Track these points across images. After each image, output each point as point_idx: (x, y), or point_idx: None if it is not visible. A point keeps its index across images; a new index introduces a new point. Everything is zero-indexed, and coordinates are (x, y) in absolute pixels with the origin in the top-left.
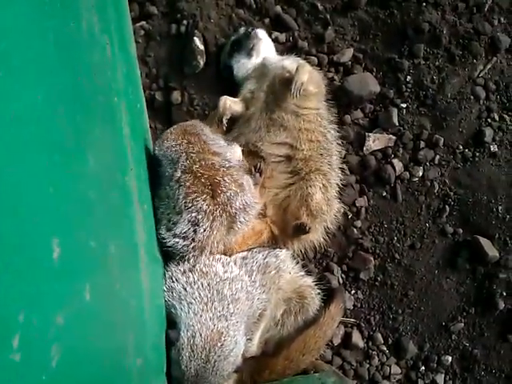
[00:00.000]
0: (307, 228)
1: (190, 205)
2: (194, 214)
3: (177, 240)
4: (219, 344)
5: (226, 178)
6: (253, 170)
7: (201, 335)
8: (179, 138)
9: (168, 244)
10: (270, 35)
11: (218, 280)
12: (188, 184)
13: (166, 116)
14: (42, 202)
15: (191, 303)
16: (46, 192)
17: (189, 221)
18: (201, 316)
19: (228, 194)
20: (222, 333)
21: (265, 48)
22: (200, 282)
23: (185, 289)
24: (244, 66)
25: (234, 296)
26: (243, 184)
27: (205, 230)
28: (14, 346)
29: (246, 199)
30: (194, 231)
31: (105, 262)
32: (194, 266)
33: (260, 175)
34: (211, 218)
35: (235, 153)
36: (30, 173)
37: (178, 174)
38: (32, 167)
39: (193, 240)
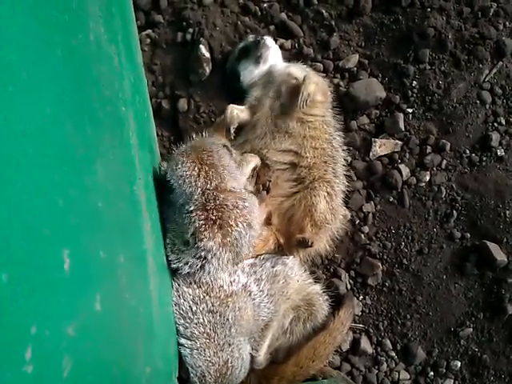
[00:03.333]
0: (310, 243)
1: (200, 244)
2: (202, 254)
3: (182, 265)
4: (228, 372)
5: (238, 222)
6: (260, 188)
7: (209, 373)
8: (195, 167)
9: (173, 266)
10: (275, 42)
11: (223, 297)
12: (199, 223)
13: (172, 124)
14: (51, 214)
15: (193, 338)
16: (56, 204)
17: (195, 256)
18: (205, 354)
19: (236, 234)
20: (228, 359)
21: (272, 56)
22: (205, 303)
23: (191, 309)
24: (250, 72)
25: (237, 316)
26: (251, 223)
27: (213, 267)
28: (26, 358)
29: (252, 233)
30: (202, 266)
31: (114, 272)
32: (199, 279)
33: (267, 193)
34: (219, 256)
35: (243, 176)
36: (39, 185)
37: (191, 208)
38: (41, 180)
39: (198, 270)
